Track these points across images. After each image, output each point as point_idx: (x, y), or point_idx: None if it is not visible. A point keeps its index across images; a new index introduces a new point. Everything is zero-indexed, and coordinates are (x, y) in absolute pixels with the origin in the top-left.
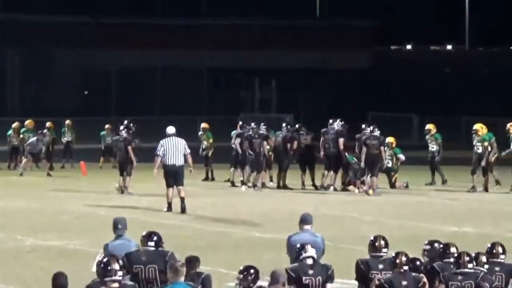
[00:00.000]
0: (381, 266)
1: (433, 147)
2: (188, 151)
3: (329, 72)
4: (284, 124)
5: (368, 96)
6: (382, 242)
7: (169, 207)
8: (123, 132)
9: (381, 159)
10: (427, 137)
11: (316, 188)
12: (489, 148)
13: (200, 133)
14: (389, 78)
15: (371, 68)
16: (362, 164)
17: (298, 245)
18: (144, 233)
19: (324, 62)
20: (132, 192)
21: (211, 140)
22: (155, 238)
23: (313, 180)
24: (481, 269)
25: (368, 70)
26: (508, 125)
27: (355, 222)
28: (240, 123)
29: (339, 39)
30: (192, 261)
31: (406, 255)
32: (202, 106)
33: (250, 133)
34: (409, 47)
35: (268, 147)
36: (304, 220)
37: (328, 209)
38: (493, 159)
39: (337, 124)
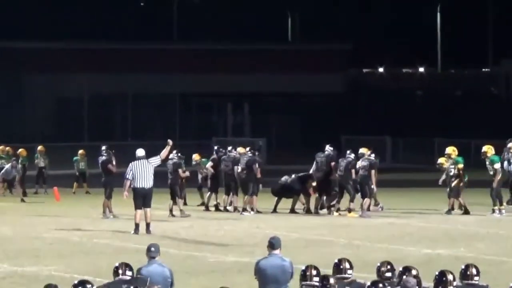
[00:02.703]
0: None
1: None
2: (158, 156)
3: (302, 96)
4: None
5: (342, 119)
6: (347, 265)
7: (136, 228)
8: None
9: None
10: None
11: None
12: (459, 172)
13: (193, 163)
14: (362, 101)
15: (345, 91)
16: (374, 187)
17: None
18: (117, 264)
19: (297, 86)
20: (110, 216)
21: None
22: (129, 272)
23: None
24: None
25: (342, 94)
26: (484, 148)
27: (329, 245)
28: (216, 147)
29: (312, 63)
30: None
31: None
32: (174, 131)
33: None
34: (381, 69)
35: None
36: (272, 244)
37: (300, 232)
38: (459, 184)
39: (328, 149)
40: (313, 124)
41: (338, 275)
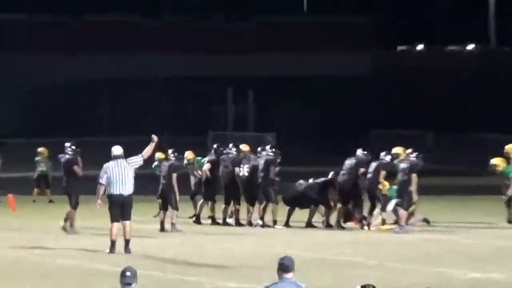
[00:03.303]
0: None
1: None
2: (140, 155)
3: (321, 80)
4: (267, 147)
5: (370, 109)
6: None
7: (113, 246)
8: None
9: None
10: None
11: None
12: None
13: (154, 164)
14: (396, 86)
15: (374, 74)
16: (415, 195)
17: None
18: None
19: (314, 68)
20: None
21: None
22: None
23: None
24: None
25: (370, 77)
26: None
27: (353, 267)
28: (215, 146)
29: (332, 39)
30: None
31: None
32: (163, 124)
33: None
34: (420, 47)
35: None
36: (283, 267)
37: (319, 251)
38: None
39: (360, 153)
40: (334, 115)
41: None
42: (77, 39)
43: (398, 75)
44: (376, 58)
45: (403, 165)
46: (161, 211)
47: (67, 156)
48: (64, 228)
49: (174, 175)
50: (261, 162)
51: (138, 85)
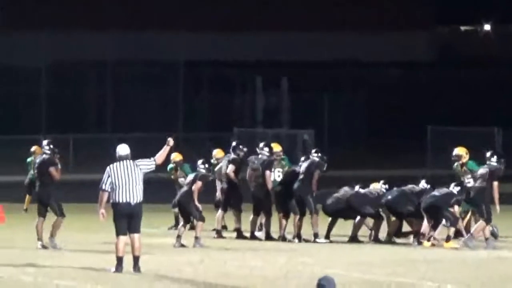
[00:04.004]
0: None
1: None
2: (152, 159)
3: (369, 66)
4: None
5: (428, 101)
6: None
7: (119, 264)
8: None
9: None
10: None
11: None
12: None
13: (170, 166)
14: (458, 73)
15: (432, 59)
16: (497, 205)
17: None
18: None
19: (360, 51)
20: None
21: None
22: None
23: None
24: None
25: (428, 63)
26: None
27: None
28: (234, 144)
29: (383, 18)
30: None
31: None
32: (177, 118)
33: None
34: (487, 27)
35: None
36: None
37: (366, 271)
38: None
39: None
40: (384, 108)
41: None
42: (68, 14)
43: (460, 60)
44: (435, 40)
45: (481, 171)
46: (181, 224)
47: (43, 156)
48: (53, 246)
49: (200, 183)
50: (303, 166)
51: (145, 72)
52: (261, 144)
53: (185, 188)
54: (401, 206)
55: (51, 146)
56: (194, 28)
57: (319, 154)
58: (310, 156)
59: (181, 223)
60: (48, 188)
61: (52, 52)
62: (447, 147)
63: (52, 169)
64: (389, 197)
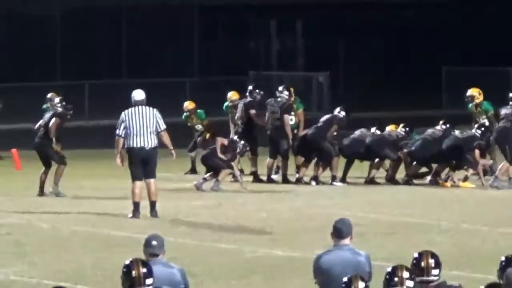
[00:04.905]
0: None
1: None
2: (163, 127)
3: (385, 7)
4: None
5: (442, 42)
6: (431, 261)
7: (136, 210)
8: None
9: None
10: None
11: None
12: None
13: (184, 114)
14: (474, 14)
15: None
16: None
17: (345, 280)
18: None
19: None
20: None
21: (205, 122)
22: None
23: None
24: None
25: (443, 4)
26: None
27: (423, 231)
28: (251, 87)
29: None
30: None
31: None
32: (192, 63)
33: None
34: None
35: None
36: (338, 231)
37: (383, 212)
38: None
39: None
40: (400, 50)
41: (419, 278)
42: None
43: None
44: None
45: (506, 111)
46: (210, 173)
47: (57, 110)
48: (56, 194)
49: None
50: (325, 116)
51: (160, 17)
52: (281, 88)
53: (204, 152)
54: (426, 155)
55: (64, 103)
56: None
57: (343, 111)
58: (334, 112)
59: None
60: (44, 140)
61: None
62: (462, 87)
63: (53, 121)
64: (413, 148)
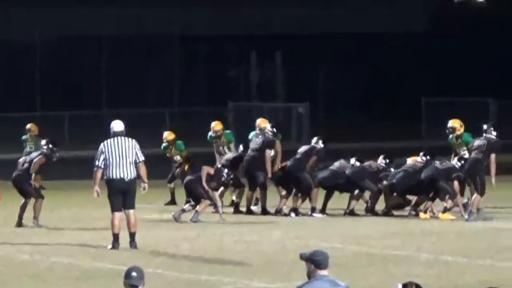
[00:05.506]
0: None
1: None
2: (142, 158)
3: (363, 38)
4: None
5: (422, 72)
6: None
7: (116, 241)
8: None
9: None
10: None
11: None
12: None
13: (163, 145)
14: (453, 43)
15: (427, 29)
16: (493, 179)
17: None
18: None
19: (354, 23)
20: (41, 225)
21: (184, 153)
22: None
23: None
24: None
25: (422, 33)
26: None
27: (404, 262)
28: (270, 127)
29: None
30: None
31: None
32: (172, 93)
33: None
34: None
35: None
36: (316, 263)
37: (362, 244)
38: None
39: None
40: (380, 80)
41: None
42: None
43: (453, 30)
44: (430, 9)
45: (478, 142)
46: (190, 203)
47: (44, 151)
48: (38, 227)
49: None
50: (303, 148)
51: (140, 47)
52: (269, 126)
53: (189, 176)
54: (407, 187)
55: (50, 146)
56: (189, 2)
57: (321, 142)
58: (312, 142)
59: (191, 203)
60: (24, 174)
61: (47, 27)
62: (441, 118)
63: (38, 158)
64: (394, 180)
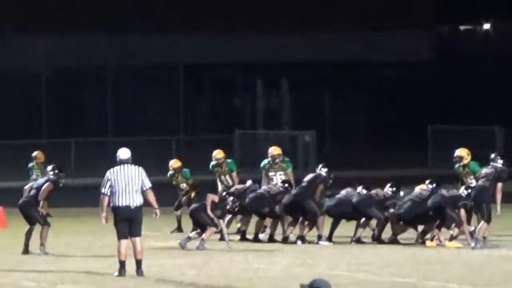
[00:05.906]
0: None
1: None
2: (149, 185)
3: (369, 67)
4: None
5: (428, 100)
6: None
7: (122, 268)
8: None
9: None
10: None
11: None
12: None
13: (170, 173)
14: (458, 73)
15: (432, 59)
16: (499, 207)
17: None
18: None
19: (361, 52)
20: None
21: (190, 180)
22: None
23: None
24: None
25: (427, 63)
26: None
27: None
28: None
29: (382, 16)
30: None
31: None
32: (178, 121)
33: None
34: (487, 26)
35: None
36: None
37: (369, 272)
38: None
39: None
40: (384, 107)
41: None
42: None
43: (460, 59)
44: (434, 39)
45: (486, 170)
46: (197, 231)
47: (51, 177)
48: (45, 254)
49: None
50: (309, 176)
51: (145, 75)
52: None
53: (194, 204)
54: (414, 216)
55: (56, 171)
56: (193, 31)
57: (326, 169)
58: (317, 170)
59: (197, 230)
60: (32, 201)
61: (52, 57)
62: (447, 146)
63: (46, 185)
64: (402, 210)
